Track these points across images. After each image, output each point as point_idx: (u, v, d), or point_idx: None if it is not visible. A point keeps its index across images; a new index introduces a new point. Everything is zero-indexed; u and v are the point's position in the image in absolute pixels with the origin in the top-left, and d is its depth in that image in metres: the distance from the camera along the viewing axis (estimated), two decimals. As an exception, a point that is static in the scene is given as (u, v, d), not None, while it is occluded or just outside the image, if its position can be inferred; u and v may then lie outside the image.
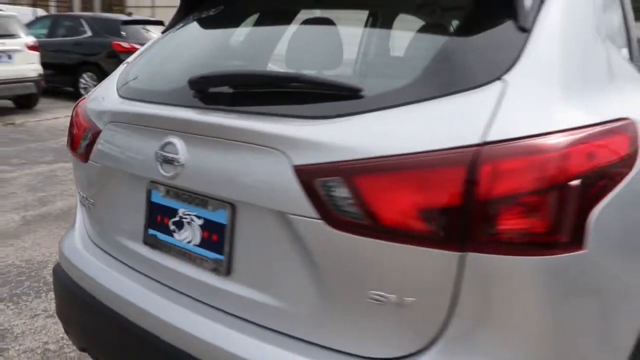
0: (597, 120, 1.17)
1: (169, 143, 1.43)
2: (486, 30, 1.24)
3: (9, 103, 9.68)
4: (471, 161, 1.03)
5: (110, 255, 1.73)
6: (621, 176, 1.16)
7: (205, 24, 1.85)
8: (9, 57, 8.80)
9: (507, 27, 1.22)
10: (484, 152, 1.03)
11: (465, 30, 1.32)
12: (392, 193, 1.07)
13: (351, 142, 1.12)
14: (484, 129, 1.05)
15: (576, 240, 1.07)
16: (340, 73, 1.56)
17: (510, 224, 1.03)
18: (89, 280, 1.70)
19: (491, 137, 1.05)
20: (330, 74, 1.54)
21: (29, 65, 9.05)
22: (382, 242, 1.09)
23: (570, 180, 1.06)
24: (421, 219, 1.05)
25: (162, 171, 1.44)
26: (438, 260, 1.06)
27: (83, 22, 11.05)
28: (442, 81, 1.16)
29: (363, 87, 1.22)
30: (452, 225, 1.04)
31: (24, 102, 9.51)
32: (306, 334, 1.22)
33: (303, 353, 1.20)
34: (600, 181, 1.12)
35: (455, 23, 1.41)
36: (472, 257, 1.04)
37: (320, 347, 1.20)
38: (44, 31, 11.27)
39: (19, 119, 8.86)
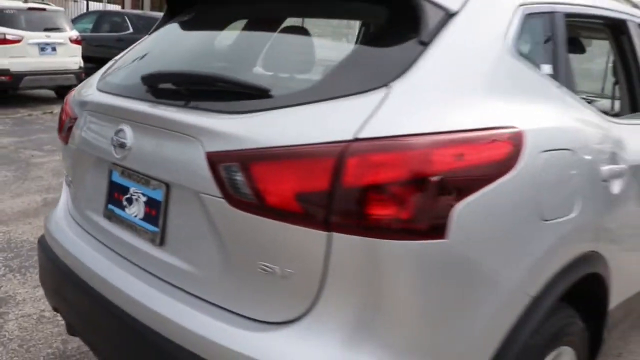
0: (477, 126, 1.33)
1: (121, 130, 1.64)
2: (386, 43, 1.41)
3: (50, 93, 10.21)
4: (340, 154, 1.20)
5: (81, 227, 1.96)
6: (494, 177, 1.31)
7: (178, 29, 2.07)
8: (53, 49, 9.29)
9: (406, 42, 1.39)
10: (352, 147, 1.20)
11: (368, 42, 1.49)
12: (275, 178, 1.25)
13: (250, 134, 1.31)
14: (358, 127, 1.23)
15: (438, 230, 1.23)
16: (258, 74, 1.75)
17: (373, 210, 1.20)
18: (62, 250, 1.93)
19: (363, 135, 1.22)
20: (251, 75, 1.74)
21: (71, 58, 9.53)
22: (268, 219, 1.27)
23: (433, 177, 1.22)
24: (297, 201, 1.23)
25: (114, 154, 1.66)
26: (310, 238, 1.23)
27: (126, 18, 11.54)
28: (337, 85, 1.33)
29: (271, 88, 1.41)
30: (320, 208, 1.21)
31: (65, 93, 9.95)
32: (212, 297, 1.42)
33: (206, 312, 1.39)
34: (468, 180, 1.27)
35: (361, 34, 1.58)
36: (337, 237, 1.21)
37: (221, 308, 1.39)
38: (89, 26, 11.81)
39: (57, 108, 9.31)
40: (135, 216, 1.67)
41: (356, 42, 1.61)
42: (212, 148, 1.36)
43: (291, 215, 1.24)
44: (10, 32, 8.86)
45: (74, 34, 9.70)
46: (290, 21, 1.80)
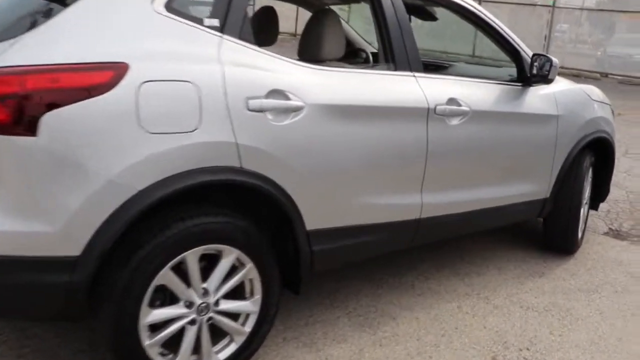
0: (85, 60, 1.85)
1: None
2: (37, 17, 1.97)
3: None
4: None
5: None
6: (89, 96, 1.83)
7: None
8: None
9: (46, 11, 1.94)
10: None
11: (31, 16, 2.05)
12: None
13: None
14: None
15: (29, 130, 1.77)
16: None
17: None
18: None
19: None
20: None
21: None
22: None
23: (25, 93, 1.75)
24: None
25: None
26: None
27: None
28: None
29: None
30: None
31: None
32: None
33: None
34: (61, 96, 1.80)
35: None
36: None
37: None
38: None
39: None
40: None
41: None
42: None
43: None
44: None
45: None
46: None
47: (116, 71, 1.89)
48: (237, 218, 2.23)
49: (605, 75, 16.60)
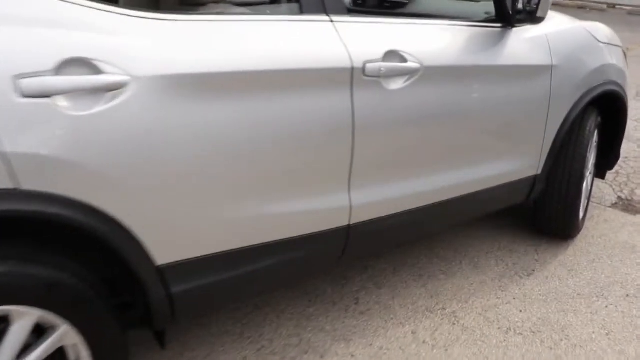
0: None
1: None
2: None
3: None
4: None
5: None
6: None
7: None
8: None
9: None
10: None
11: None
12: None
13: None
14: None
15: None
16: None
17: None
18: None
19: None
20: None
21: None
22: None
23: None
24: None
25: None
26: None
27: None
28: None
29: None
30: None
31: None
32: None
33: None
34: None
35: None
36: None
37: None
38: None
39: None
40: None
41: None
42: None
43: None
44: None
45: None
46: None
47: None
48: (27, 264, 1.41)
49: (613, 6, 15.32)
